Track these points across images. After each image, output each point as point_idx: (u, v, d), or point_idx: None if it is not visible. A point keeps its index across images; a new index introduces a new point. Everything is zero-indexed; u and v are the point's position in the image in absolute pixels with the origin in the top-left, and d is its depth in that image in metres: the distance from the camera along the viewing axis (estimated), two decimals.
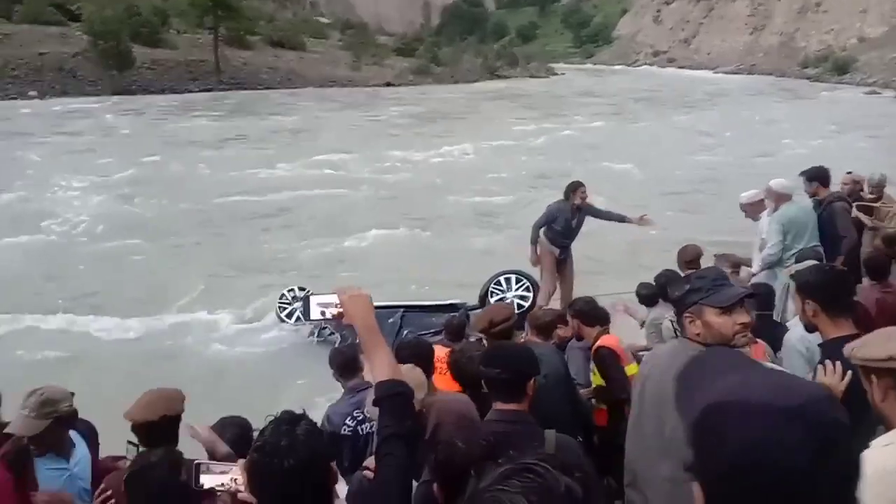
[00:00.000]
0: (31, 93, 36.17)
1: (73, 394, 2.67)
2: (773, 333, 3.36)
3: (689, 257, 5.03)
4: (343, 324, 1.78)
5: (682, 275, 4.42)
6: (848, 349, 1.80)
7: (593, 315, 3.79)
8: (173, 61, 43.57)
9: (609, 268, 8.62)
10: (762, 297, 3.81)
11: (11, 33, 41.29)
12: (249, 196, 14.08)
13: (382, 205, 13.48)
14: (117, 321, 7.71)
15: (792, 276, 2.71)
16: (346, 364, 3.56)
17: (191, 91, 40.52)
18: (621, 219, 6.96)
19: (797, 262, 4.39)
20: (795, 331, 2.84)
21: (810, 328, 2.40)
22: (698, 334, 2.04)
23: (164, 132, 23.73)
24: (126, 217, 12.38)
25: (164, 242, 10.89)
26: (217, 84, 42.71)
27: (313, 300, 1.85)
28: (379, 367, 1.69)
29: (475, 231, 11.74)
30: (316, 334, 7.06)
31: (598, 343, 3.65)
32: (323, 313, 1.80)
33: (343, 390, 3.60)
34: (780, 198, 5.37)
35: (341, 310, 1.76)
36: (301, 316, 7.20)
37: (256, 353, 7.10)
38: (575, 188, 6.80)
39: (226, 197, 13.82)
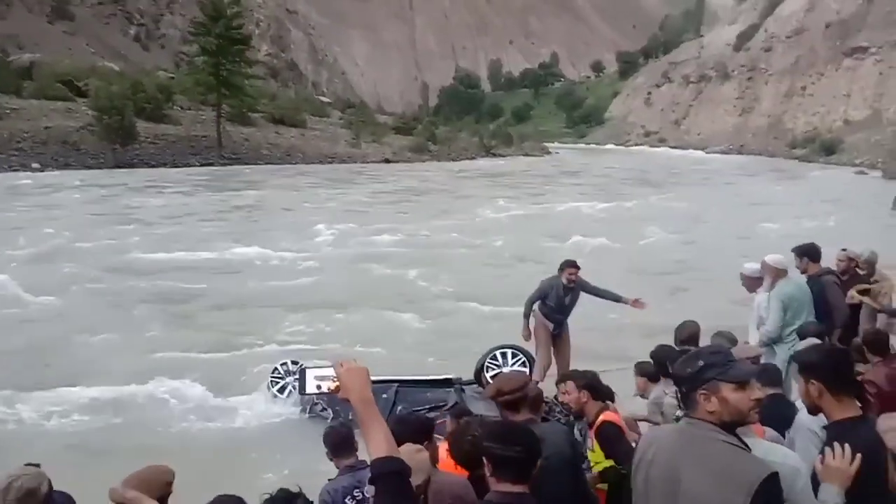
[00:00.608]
0: (34, 165, 36.67)
1: (38, 465, 2.58)
2: (785, 412, 3.29)
3: (687, 335, 4.98)
4: (339, 398, 1.73)
5: (679, 350, 4.38)
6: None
7: (603, 390, 3.70)
8: (176, 136, 44.45)
9: (584, 352, 7.83)
10: (771, 373, 3.77)
11: (19, 108, 42.26)
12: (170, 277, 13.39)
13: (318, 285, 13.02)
14: (89, 391, 7.43)
15: (792, 357, 2.68)
16: (341, 442, 3.43)
17: (192, 165, 41.19)
18: (616, 298, 6.93)
19: (800, 338, 4.38)
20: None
21: (813, 410, 2.32)
22: (713, 412, 1.95)
23: (115, 207, 23.01)
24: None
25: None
26: (218, 158, 43.44)
27: (309, 373, 1.81)
28: (375, 443, 1.64)
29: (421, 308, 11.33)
30: (308, 410, 6.90)
31: (602, 418, 3.51)
32: (319, 386, 1.76)
33: (337, 470, 3.47)
34: (778, 273, 5.38)
35: (338, 383, 1.71)
36: (294, 389, 7.08)
37: (244, 428, 6.85)
38: (563, 267, 6.81)
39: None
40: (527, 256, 15.30)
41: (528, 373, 6.88)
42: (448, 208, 25.07)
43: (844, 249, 6.52)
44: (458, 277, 13.54)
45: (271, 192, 29.03)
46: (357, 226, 19.77)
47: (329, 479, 3.44)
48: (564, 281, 6.74)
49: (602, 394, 3.67)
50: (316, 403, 6.79)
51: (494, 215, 22.89)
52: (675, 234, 19.41)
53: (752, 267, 5.83)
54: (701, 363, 1.99)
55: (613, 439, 3.43)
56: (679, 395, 2.18)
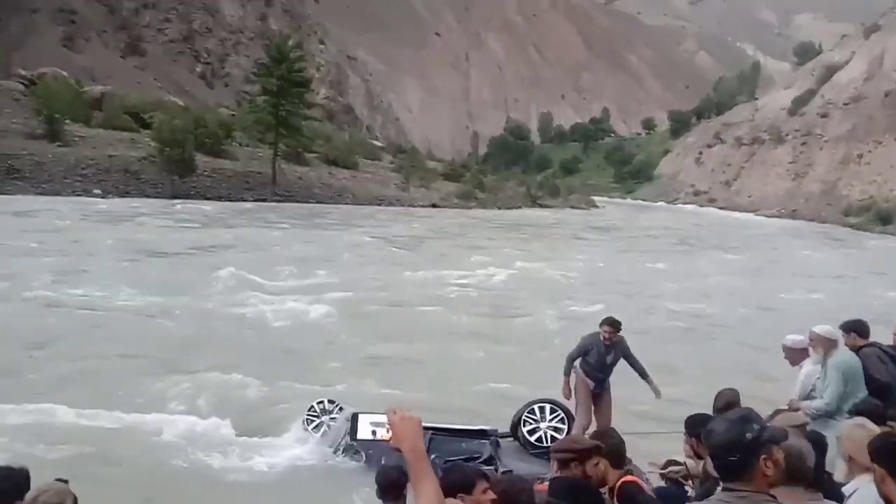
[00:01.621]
0: (96, 191, 38.19)
1: (66, 481, 2.65)
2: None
3: (724, 403, 4.89)
4: (391, 446, 1.76)
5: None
6: None
7: (623, 456, 3.67)
8: (232, 171, 45.85)
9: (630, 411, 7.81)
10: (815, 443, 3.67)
11: (87, 136, 44.26)
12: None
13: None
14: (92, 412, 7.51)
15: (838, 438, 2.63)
16: (390, 486, 3.44)
17: (245, 200, 42.32)
18: (643, 374, 6.88)
19: (854, 414, 4.24)
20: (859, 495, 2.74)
21: (884, 497, 2.28)
22: (768, 475, 1.90)
23: (122, 237, 22.74)
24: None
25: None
26: (271, 195, 44.55)
27: (363, 418, 1.86)
28: (425, 497, 1.66)
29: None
30: (340, 451, 6.89)
31: (623, 480, 3.48)
32: (374, 432, 1.80)
33: None
34: (830, 344, 5.22)
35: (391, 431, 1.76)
36: (329, 428, 7.10)
37: (272, 470, 6.80)
38: (601, 324, 6.83)
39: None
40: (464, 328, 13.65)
41: (566, 430, 6.81)
42: (436, 259, 23.39)
43: None
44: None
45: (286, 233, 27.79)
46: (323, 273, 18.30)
47: None
48: (601, 338, 6.72)
49: (623, 459, 3.64)
50: (350, 445, 6.79)
51: (480, 271, 20.75)
52: (682, 303, 17.41)
53: (795, 338, 5.68)
54: (757, 426, 1.92)
55: (634, 493, 3.43)
56: (720, 466, 2.01)
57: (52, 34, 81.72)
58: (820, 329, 5.31)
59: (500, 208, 56.26)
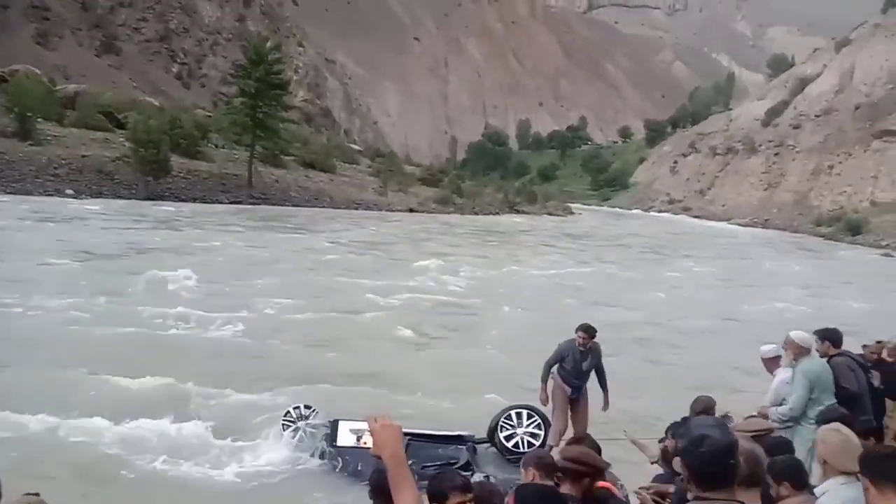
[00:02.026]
0: (68, 191, 37.56)
1: (37, 494, 2.59)
2: None
3: (702, 408, 4.97)
4: (371, 453, 1.76)
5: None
6: None
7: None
8: (207, 173, 45.40)
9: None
10: (782, 447, 3.73)
11: (59, 135, 43.52)
12: None
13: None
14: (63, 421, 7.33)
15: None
16: (383, 487, 3.45)
17: (221, 202, 41.96)
18: (603, 385, 7.02)
19: (819, 422, 4.30)
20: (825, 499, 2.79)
21: None
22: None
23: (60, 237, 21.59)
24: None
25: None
26: (247, 198, 44.20)
27: (343, 425, 1.86)
28: (404, 502, 1.67)
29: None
30: (318, 456, 6.86)
31: (596, 486, 3.52)
32: (358, 438, 1.79)
33: None
34: (801, 350, 5.27)
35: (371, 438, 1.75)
36: (305, 435, 7.05)
37: (246, 474, 6.76)
38: (576, 330, 6.87)
39: None
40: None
41: (542, 435, 6.83)
42: (388, 265, 22.52)
43: (879, 341, 6.47)
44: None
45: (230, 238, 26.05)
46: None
47: None
48: (577, 343, 6.75)
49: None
50: (326, 451, 6.76)
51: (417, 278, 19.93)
52: (638, 312, 17.05)
53: (769, 348, 5.76)
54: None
55: (607, 498, 3.41)
56: (711, 472, 1.96)
57: (24, 31, 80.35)
58: (794, 334, 5.36)
59: (477, 214, 56.42)
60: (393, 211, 49.60)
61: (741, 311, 18.53)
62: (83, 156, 41.19)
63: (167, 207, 35.69)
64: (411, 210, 51.26)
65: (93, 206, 33.21)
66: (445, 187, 61.61)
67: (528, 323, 14.79)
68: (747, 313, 18.19)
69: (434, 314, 15.37)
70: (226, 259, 20.45)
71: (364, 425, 1.81)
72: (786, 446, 3.98)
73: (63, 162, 39.97)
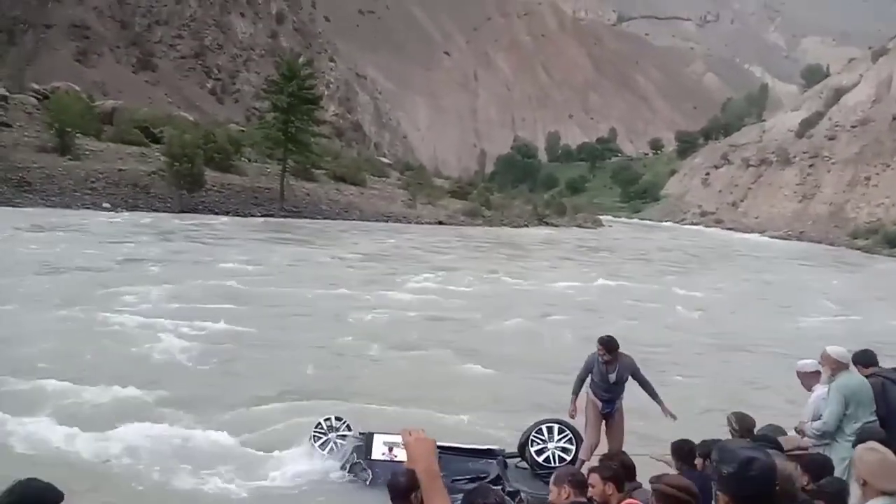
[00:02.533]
0: (105, 204, 38.42)
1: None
2: None
3: (749, 427, 4.93)
4: (405, 467, 1.76)
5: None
6: None
7: (624, 480, 3.65)
8: (241, 186, 46.09)
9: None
10: (818, 467, 3.68)
11: (97, 150, 44.62)
12: None
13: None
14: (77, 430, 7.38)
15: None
16: (402, 489, 3.49)
17: (254, 215, 42.51)
18: (653, 395, 6.63)
19: (856, 440, 4.22)
20: None
21: None
22: None
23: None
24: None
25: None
26: (279, 211, 44.74)
27: (377, 438, 1.87)
28: None
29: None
30: (347, 469, 6.87)
31: (625, 502, 3.51)
32: (391, 450, 1.80)
33: None
34: (838, 366, 5.17)
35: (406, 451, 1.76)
36: (336, 446, 7.08)
37: (277, 486, 6.77)
38: (598, 342, 6.67)
39: None
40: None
41: (574, 450, 6.77)
42: (379, 277, 21.52)
43: None
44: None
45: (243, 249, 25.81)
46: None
47: None
48: (599, 356, 6.57)
49: (624, 483, 3.62)
50: (357, 463, 6.77)
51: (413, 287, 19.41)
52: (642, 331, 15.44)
53: (807, 363, 5.65)
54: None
55: None
56: (754, 496, 1.99)
57: (65, 49, 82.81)
58: (831, 349, 5.27)
59: (506, 226, 56.32)
60: (422, 223, 49.74)
61: (761, 328, 17.60)
62: (120, 170, 42.14)
63: (176, 221, 34.91)
64: (440, 222, 51.38)
65: (116, 218, 33.61)
66: (474, 200, 61.67)
67: (515, 336, 14.29)
68: (769, 330, 17.34)
69: (422, 327, 14.71)
70: (205, 273, 19.41)
71: (397, 438, 1.82)
72: (827, 466, 3.89)
73: (100, 176, 40.91)
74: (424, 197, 57.26)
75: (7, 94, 49.51)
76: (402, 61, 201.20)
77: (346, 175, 56.70)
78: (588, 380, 6.75)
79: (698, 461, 4.34)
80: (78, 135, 44.00)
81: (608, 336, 6.76)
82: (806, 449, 4.36)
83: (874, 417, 5.02)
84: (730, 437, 4.89)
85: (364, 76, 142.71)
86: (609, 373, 6.57)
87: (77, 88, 56.12)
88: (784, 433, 5.13)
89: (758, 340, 15.71)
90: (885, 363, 5.72)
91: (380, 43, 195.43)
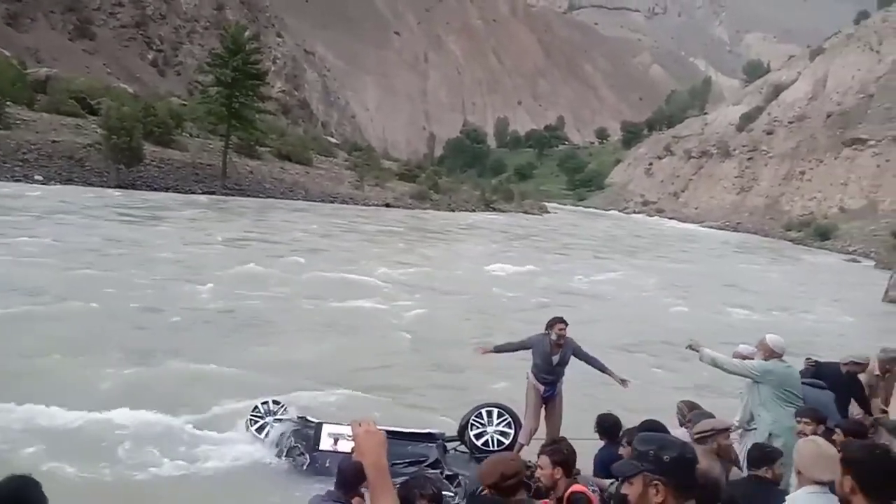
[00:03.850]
0: (37, 177, 36.79)
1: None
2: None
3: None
4: (353, 458, 1.70)
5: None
6: None
7: (574, 465, 3.67)
8: (181, 162, 44.76)
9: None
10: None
11: (29, 120, 42.57)
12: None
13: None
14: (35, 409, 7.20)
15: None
16: (350, 477, 3.48)
17: (194, 192, 41.41)
18: (602, 368, 6.64)
19: (797, 414, 4.45)
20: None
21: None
22: None
23: None
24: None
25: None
26: (221, 188, 43.69)
27: (326, 428, 1.79)
28: None
29: None
30: (284, 454, 6.74)
31: (572, 489, 3.51)
32: (336, 441, 1.74)
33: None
34: (772, 354, 5.34)
35: (353, 443, 1.71)
36: (272, 429, 6.95)
37: (211, 468, 6.66)
38: (553, 323, 6.58)
39: None
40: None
41: (512, 435, 6.79)
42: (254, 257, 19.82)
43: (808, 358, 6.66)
44: None
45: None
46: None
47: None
48: (554, 337, 6.49)
49: (572, 469, 3.65)
50: (294, 447, 6.65)
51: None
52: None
53: (747, 348, 5.81)
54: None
55: (583, 503, 3.45)
56: None
57: None
58: (769, 337, 5.45)
59: (453, 210, 56.38)
60: (369, 205, 49.36)
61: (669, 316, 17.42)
62: (54, 141, 40.35)
63: (115, 198, 33.37)
64: (387, 205, 51.08)
65: (37, 192, 31.13)
66: (422, 183, 61.51)
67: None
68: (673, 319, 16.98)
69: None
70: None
71: (344, 429, 1.76)
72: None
73: (33, 147, 39.11)
74: (372, 179, 56.79)
75: None
76: (353, 39, 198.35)
77: (292, 154, 55.71)
78: (530, 366, 6.75)
79: (624, 449, 4.34)
80: (8, 103, 41.87)
81: (561, 316, 6.73)
82: (726, 430, 4.42)
83: (797, 405, 5.17)
84: (677, 424, 4.97)
85: (312, 53, 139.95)
86: (552, 354, 6.53)
87: (7, 54, 53.38)
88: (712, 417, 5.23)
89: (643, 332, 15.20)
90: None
91: (330, 20, 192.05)
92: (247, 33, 54.03)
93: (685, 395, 6.24)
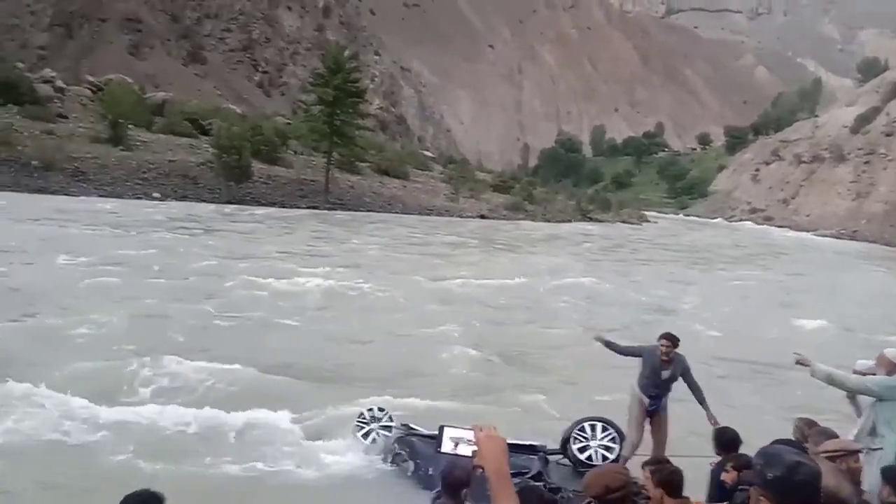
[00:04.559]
0: (155, 194, 39.35)
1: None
2: None
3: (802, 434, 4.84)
4: (474, 464, 1.71)
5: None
6: None
7: (680, 486, 3.56)
8: (287, 178, 46.75)
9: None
10: None
11: (148, 141, 45.72)
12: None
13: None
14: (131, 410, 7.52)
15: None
16: (454, 482, 3.53)
17: (299, 207, 43.05)
18: (701, 401, 6.43)
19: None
20: None
21: None
22: None
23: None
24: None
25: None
26: (323, 203, 45.21)
27: (447, 431, 1.82)
28: None
29: None
30: (390, 459, 6.90)
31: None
32: (456, 445, 1.77)
33: None
34: (894, 369, 5.04)
35: (474, 447, 1.71)
36: (378, 436, 7.12)
37: (320, 475, 6.82)
38: (659, 338, 6.48)
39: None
40: None
41: (617, 450, 6.67)
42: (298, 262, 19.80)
43: None
44: None
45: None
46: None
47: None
48: (659, 352, 6.40)
49: (680, 489, 3.52)
50: (399, 453, 6.79)
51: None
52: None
53: (865, 363, 5.50)
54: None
55: None
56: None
57: (119, 42, 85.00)
58: (889, 352, 5.13)
59: (549, 221, 55.83)
60: (464, 217, 49.69)
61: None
62: (170, 160, 43.09)
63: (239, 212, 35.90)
64: (482, 216, 51.25)
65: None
66: (517, 194, 61.35)
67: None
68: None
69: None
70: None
71: (465, 433, 1.77)
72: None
73: (151, 166, 41.89)
74: (467, 191, 57.19)
75: (64, 86, 51.13)
76: (447, 54, 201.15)
77: (390, 168, 56.99)
78: (636, 377, 6.62)
79: (732, 475, 4.20)
80: (130, 126, 45.13)
81: (671, 332, 6.61)
82: (853, 451, 4.17)
83: None
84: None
85: (408, 69, 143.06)
86: (662, 369, 6.44)
87: (129, 81, 57.60)
88: (836, 436, 4.97)
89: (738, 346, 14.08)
90: None
91: (424, 36, 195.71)
92: (346, 53, 55.93)
93: (776, 417, 5.91)
